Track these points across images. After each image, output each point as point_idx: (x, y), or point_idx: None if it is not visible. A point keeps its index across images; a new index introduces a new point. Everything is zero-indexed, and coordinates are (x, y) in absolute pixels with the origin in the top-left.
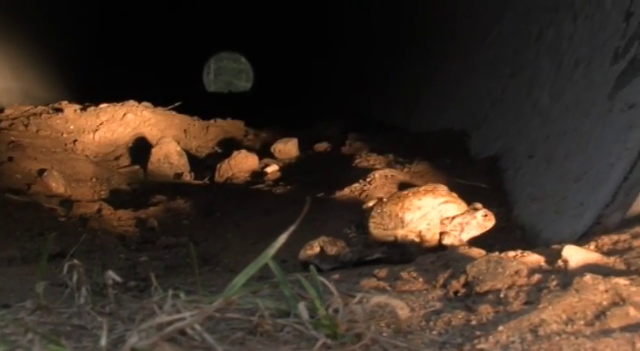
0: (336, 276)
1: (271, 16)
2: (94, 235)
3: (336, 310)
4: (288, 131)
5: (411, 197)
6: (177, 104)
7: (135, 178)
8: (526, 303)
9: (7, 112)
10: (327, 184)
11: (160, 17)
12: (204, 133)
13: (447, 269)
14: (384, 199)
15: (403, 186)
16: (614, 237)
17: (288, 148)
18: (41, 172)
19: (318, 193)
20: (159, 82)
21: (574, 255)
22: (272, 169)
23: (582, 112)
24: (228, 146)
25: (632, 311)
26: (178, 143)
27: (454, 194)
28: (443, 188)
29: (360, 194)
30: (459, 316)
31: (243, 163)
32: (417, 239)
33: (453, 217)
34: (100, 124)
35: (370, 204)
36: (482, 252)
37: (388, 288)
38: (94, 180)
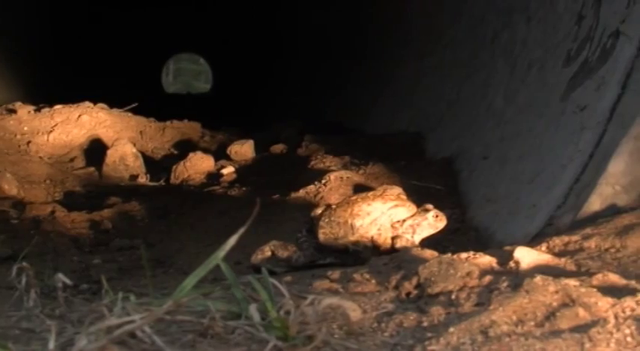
0: (289, 278)
1: (230, 17)
2: (47, 237)
3: (287, 312)
4: (244, 133)
5: (360, 203)
6: (133, 105)
7: (90, 179)
8: (477, 304)
9: None
10: (282, 186)
11: (117, 18)
12: (161, 135)
13: (399, 271)
14: (333, 206)
15: (358, 188)
16: (566, 238)
17: (244, 149)
18: None
19: (274, 195)
20: (117, 84)
21: (525, 256)
22: (228, 170)
23: (536, 113)
24: (185, 148)
25: (581, 312)
26: (134, 145)
27: (403, 197)
28: (392, 192)
29: (316, 196)
30: (411, 318)
31: (199, 165)
32: (369, 244)
33: (404, 220)
34: (55, 126)
35: (318, 211)
36: (435, 253)
37: (341, 290)
38: (47, 182)
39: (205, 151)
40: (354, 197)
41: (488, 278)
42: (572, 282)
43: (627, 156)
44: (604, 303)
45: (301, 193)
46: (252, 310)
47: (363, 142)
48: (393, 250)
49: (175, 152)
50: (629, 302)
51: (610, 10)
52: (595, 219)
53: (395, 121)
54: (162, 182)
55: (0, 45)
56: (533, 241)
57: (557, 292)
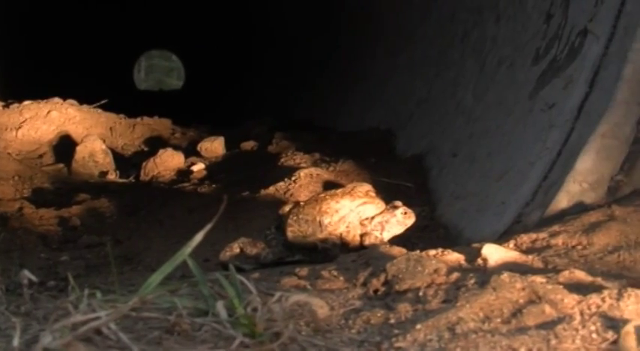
0: (257, 275)
1: (202, 15)
2: (15, 234)
3: (254, 309)
4: (215, 130)
5: (329, 200)
6: (103, 102)
7: (59, 176)
8: (444, 301)
9: None
10: (252, 183)
11: (89, 13)
12: (131, 132)
13: (367, 268)
14: (301, 204)
15: (328, 185)
16: (533, 235)
17: (214, 146)
18: None
19: (244, 192)
20: (88, 80)
21: (493, 253)
22: (198, 167)
23: (504, 111)
24: (155, 144)
25: (547, 309)
26: (104, 141)
27: (372, 194)
28: (361, 189)
29: (285, 193)
30: (378, 315)
31: (168, 162)
32: (337, 242)
33: (373, 217)
34: (23, 122)
35: (287, 209)
36: (403, 250)
37: (309, 286)
38: (16, 178)
39: (176, 147)
40: (322, 194)
41: (455, 275)
42: (539, 279)
43: (594, 154)
44: (570, 300)
45: (271, 190)
46: (219, 306)
47: (334, 139)
48: (361, 248)
49: (145, 149)
50: (594, 299)
51: (578, 8)
52: (562, 216)
53: (365, 118)
54: (131, 179)
55: None
56: (501, 239)
57: (523, 289)
